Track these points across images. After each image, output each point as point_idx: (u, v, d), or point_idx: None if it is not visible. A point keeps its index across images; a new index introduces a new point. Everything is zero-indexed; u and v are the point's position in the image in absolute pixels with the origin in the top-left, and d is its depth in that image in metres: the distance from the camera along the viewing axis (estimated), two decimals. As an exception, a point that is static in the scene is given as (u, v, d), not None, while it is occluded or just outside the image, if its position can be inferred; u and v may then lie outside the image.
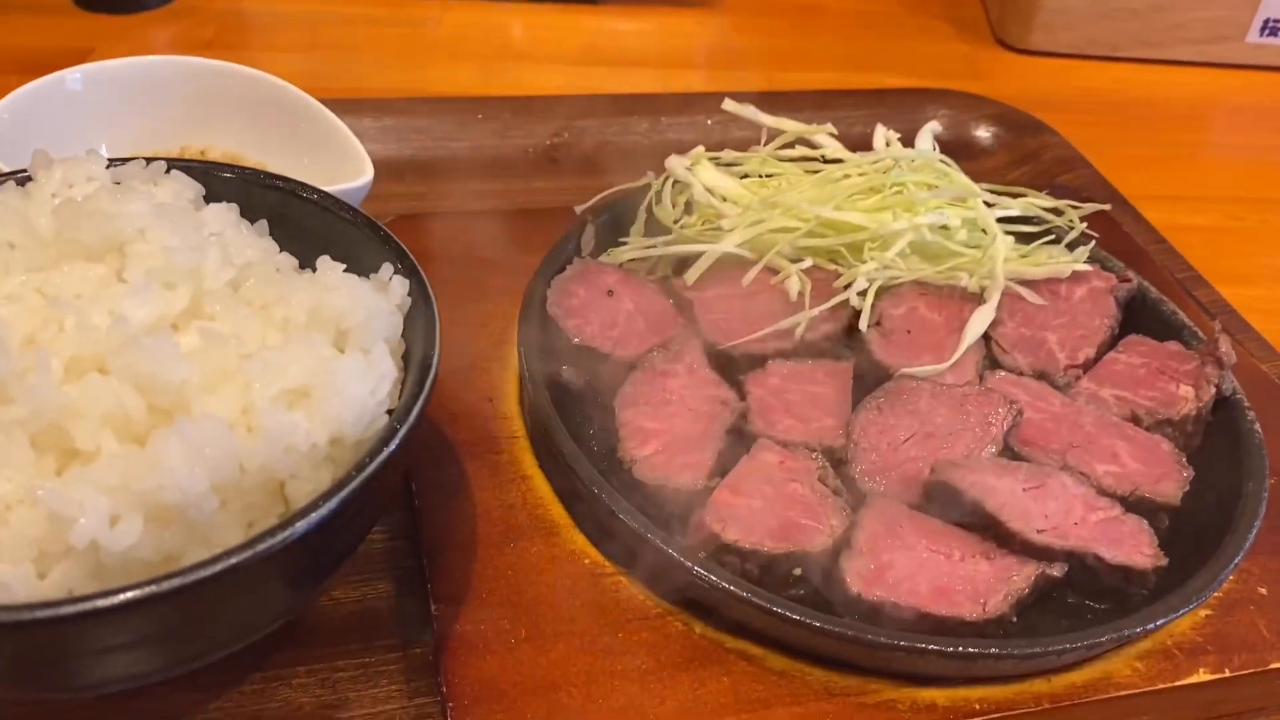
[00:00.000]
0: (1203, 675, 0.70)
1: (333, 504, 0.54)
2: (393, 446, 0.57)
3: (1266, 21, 1.47)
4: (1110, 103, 1.39)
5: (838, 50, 1.48)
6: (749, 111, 1.01)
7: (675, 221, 0.94)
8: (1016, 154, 1.28)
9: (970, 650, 0.64)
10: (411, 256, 0.69)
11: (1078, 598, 0.73)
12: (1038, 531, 0.71)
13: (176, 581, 0.50)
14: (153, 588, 0.49)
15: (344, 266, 0.67)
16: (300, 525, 0.53)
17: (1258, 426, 0.81)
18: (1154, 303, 0.92)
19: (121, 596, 0.49)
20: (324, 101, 1.17)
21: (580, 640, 0.67)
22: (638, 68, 1.37)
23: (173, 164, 0.72)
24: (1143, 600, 0.72)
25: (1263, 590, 0.76)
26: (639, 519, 0.69)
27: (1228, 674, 0.71)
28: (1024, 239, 0.98)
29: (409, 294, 0.67)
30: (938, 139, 1.25)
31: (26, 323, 0.58)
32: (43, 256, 0.63)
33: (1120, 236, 1.10)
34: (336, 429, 0.58)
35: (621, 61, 1.38)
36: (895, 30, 1.54)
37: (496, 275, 0.92)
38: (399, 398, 0.63)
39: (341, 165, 0.95)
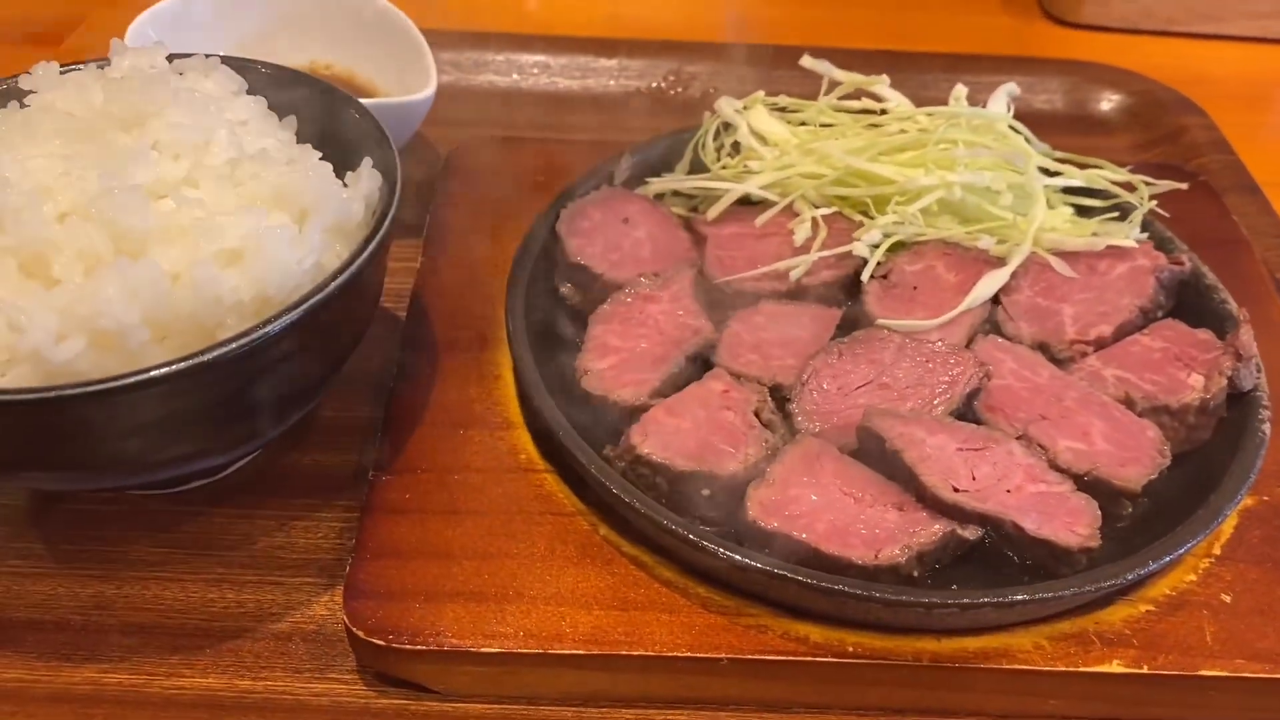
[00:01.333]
0: (1114, 666, 0.66)
1: (257, 336, 0.62)
2: (312, 300, 0.64)
3: None
4: (1165, 79, 1.25)
5: (874, 21, 1.41)
6: (824, 67, 1.00)
7: (716, 162, 0.96)
8: (1153, 133, 1.19)
9: (829, 586, 0.64)
10: (394, 153, 0.76)
11: (1011, 571, 0.71)
12: (954, 490, 0.69)
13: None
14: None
15: (320, 155, 0.74)
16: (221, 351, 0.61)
17: (1266, 428, 0.74)
18: (1207, 290, 0.85)
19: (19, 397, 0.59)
20: (452, 32, 1.28)
21: (489, 521, 0.72)
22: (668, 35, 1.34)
23: (226, 60, 0.82)
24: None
25: (1226, 598, 0.70)
26: (560, 421, 0.73)
27: (1145, 670, 0.66)
28: (1091, 213, 0.93)
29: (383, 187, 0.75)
30: (1049, 111, 1.19)
31: (47, 173, 0.69)
32: (92, 125, 0.75)
33: (1224, 223, 1.01)
34: (261, 289, 0.66)
35: (643, 31, 1.34)
36: (938, 1, 1.45)
37: (548, 199, 0.98)
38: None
39: (420, 81, 1.03)
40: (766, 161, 0.93)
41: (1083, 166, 0.94)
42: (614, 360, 0.79)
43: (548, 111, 1.20)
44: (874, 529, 0.68)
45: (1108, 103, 1.22)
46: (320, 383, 0.76)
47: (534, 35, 1.27)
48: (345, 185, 0.75)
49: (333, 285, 0.66)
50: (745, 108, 0.99)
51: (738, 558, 0.66)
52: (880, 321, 0.81)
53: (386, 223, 0.71)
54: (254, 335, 0.63)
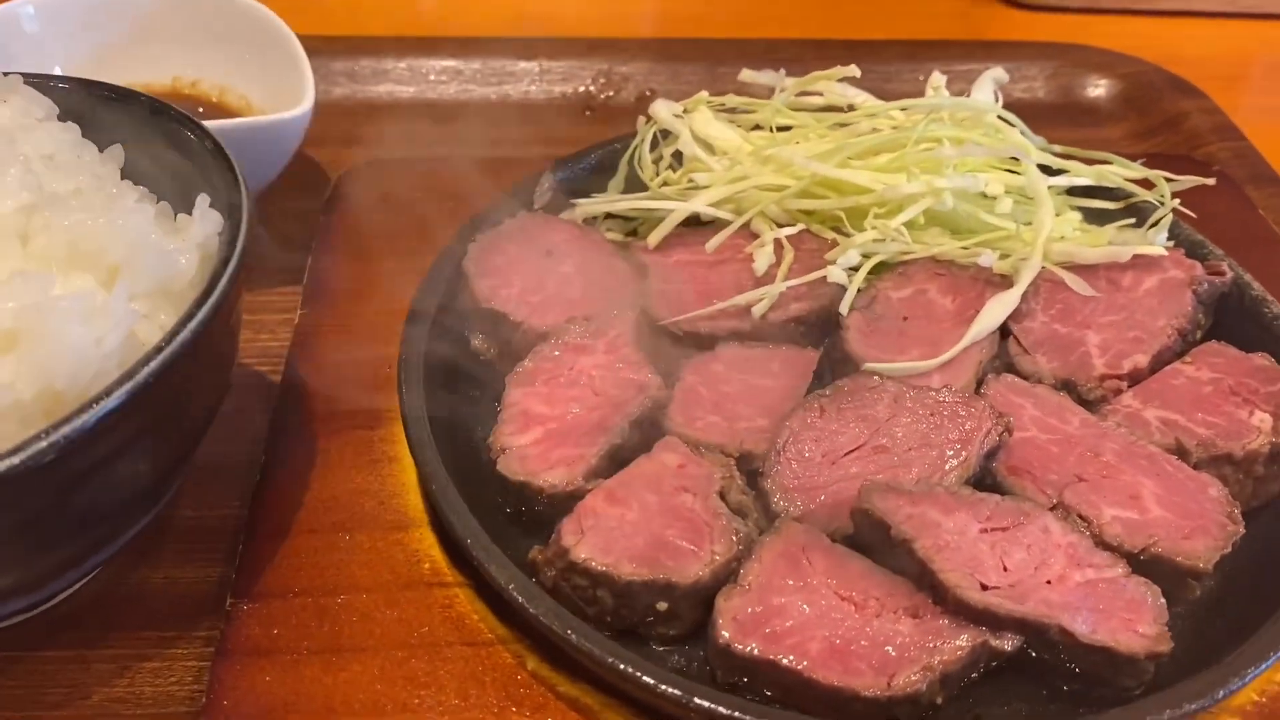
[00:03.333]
0: (1204, 809, 0.51)
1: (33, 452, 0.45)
2: (111, 402, 0.47)
3: None
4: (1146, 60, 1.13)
5: (819, 9, 1.27)
6: (767, 77, 0.85)
7: (655, 177, 0.80)
8: (1149, 120, 1.05)
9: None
10: (242, 190, 0.59)
11: (1059, 681, 0.55)
12: (983, 588, 0.53)
13: None
14: None
15: (138, 196, 0.57)
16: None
17: (1356, 477, 0.60)
18: (1254, 302, 0.71)
19: None
20: (343, 38, 1.11)
21: (381, 662, 0.56)
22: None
23: (31, 79, 0.65)
24: (1138, 698, 0.53)
25: (1332, 701, 0.55)
26: (468, 524, 0.57)
27: (1244, 812, 0.51)
28: (1102, 218, 0.78)
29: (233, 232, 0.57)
30: (1031, 100, 1.06)
31: None
32: None
33: (1251, 219, 0.87)
34: (47, 381, 0.48)
35: (562, 29, 1.18)
36: None
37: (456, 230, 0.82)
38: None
39: (297, 96, 0.86)
40: (715, 173, 0.77)
41: (1089, 162, 0.79)
42: (538, 433, 0.63)
43: (459, 124, 1.04)
44: (883, 646, 0.53)
45: (1095, 88, 1.08)
46: (161, 482, 0.59)
47: (440, 38, 1.11)
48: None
49: (143, 373, 0.48)
50: (687, 111, 0.83)
51: (706, 704, 0.50)
52: (868, 366, 0.65)
53: (224, 280, 0.53)
54: (29, 449, 0.45)
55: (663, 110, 0.81)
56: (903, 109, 0.80)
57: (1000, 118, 0.80)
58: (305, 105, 0.81)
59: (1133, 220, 0.76)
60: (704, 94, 0.84)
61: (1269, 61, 1.21)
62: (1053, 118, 1.06)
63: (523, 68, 1.09)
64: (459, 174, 0.90)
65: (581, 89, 1.08)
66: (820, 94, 0.85)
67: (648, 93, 1.08)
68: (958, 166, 0.74)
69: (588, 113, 1.07)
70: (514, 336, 0.69)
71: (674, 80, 1.09)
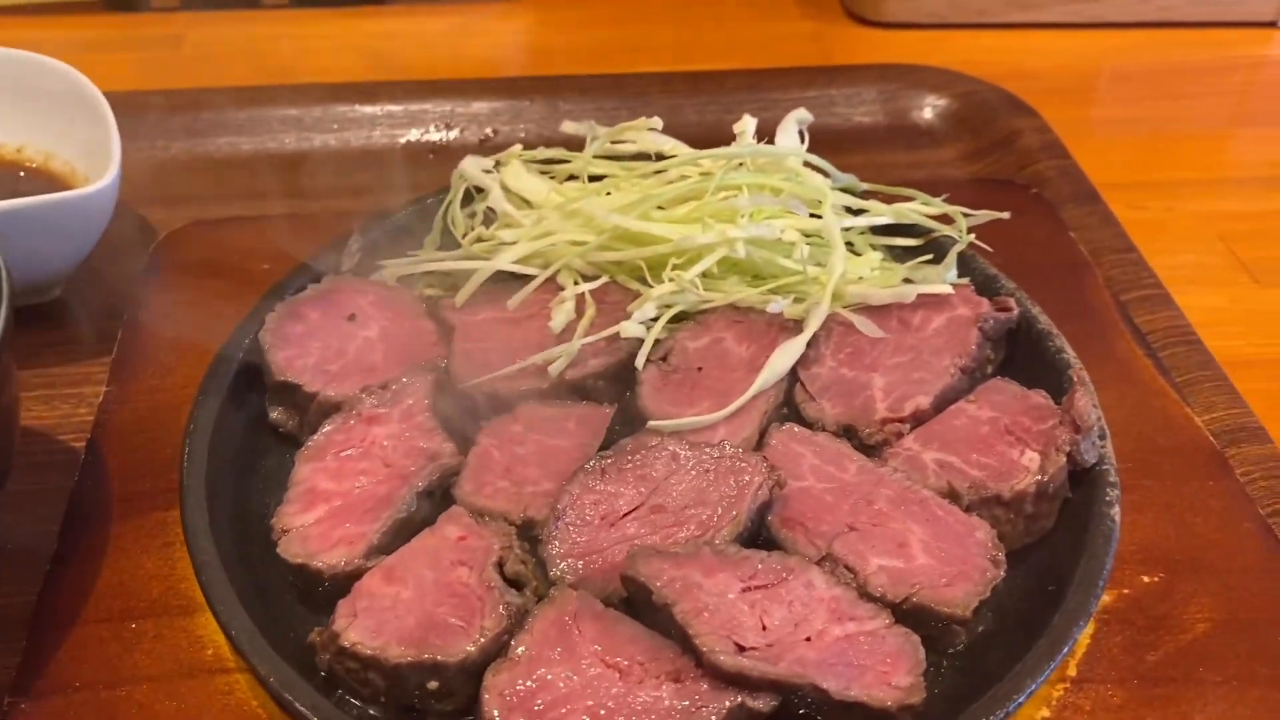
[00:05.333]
0: None
1: None
2: None
3: None
4: (981, 76, 1.14)
5: (664, 39, 1.27)
6: (586, 128, 0.85)
7: (467, 233, 0.81)
8: (983, 140, 1.07)
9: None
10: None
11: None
12: (739, 649, 0.54)
13: None
14: None
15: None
16: None
17: (1115, 513, 0.61)
18: (1039, 336, 0.73)
19: None
20: (184, 91, 1.10)
21: (156, 754, 0.56)
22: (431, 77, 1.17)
23: None
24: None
25: (1087, 734, 0.57)
26: (234, 614, 0.57)
27: None
28: (907, 255, 0.80)
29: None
30: (870, 124, 1.07)
31: None
32: None
33: (1063, 243, 0.89)
34: None
35: (415, 71, 1.18)
36: (729, 10, 1.32)
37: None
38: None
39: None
40: (523, 229, 0.78)
41: (892, 200, 0.81)
42: (322, 511, 0.63)
43: (298, 175, 1.03)
44: (644, 713, 0.54)
45: (932, 109, 1.10)
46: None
47: (279, 86, 1.10)
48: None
49: None
50: (500, 164, 0.84)
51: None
52: (651, 424, 0.66)
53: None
54: None
55: (471, 167, 0.82)
56: (710, 157, 0.80)
57: (807, 162, 0.81)
58: (107, 180, 0.80)
59: (931, 256, 0.78)
60: (517, 147, 0.85)
61: (1111, 71, 1.24)
62: (890, 140, 1.08)
63: (364, 113, 1.08)
64: (290, 231, 0.90)
65: (425, 133, 1.08)
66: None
67: (491, 133, 1.09)
68: (754, 214, 0.75)
69: (431, 156, 1.07)
70: (310, 408, 0.69)
71: (517, 119, 1.09)
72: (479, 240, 0.80)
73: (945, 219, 0.80)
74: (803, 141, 0.85)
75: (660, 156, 0.84)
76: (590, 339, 0.71)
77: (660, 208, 0.78)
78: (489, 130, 1.09)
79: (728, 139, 1.01)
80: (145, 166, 1.03)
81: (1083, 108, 1.17)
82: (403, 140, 1.07)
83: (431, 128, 1.08)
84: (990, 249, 0.79)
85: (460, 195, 0.82)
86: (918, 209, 0.80)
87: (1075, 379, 0.66)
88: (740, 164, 0.79)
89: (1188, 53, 1.25)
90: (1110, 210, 0.95)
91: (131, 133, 1.03)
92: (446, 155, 1.06)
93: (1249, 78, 1.22)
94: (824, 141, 1.06)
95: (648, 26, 1.30)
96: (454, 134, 1.08)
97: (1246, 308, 0.92)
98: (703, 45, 1.27)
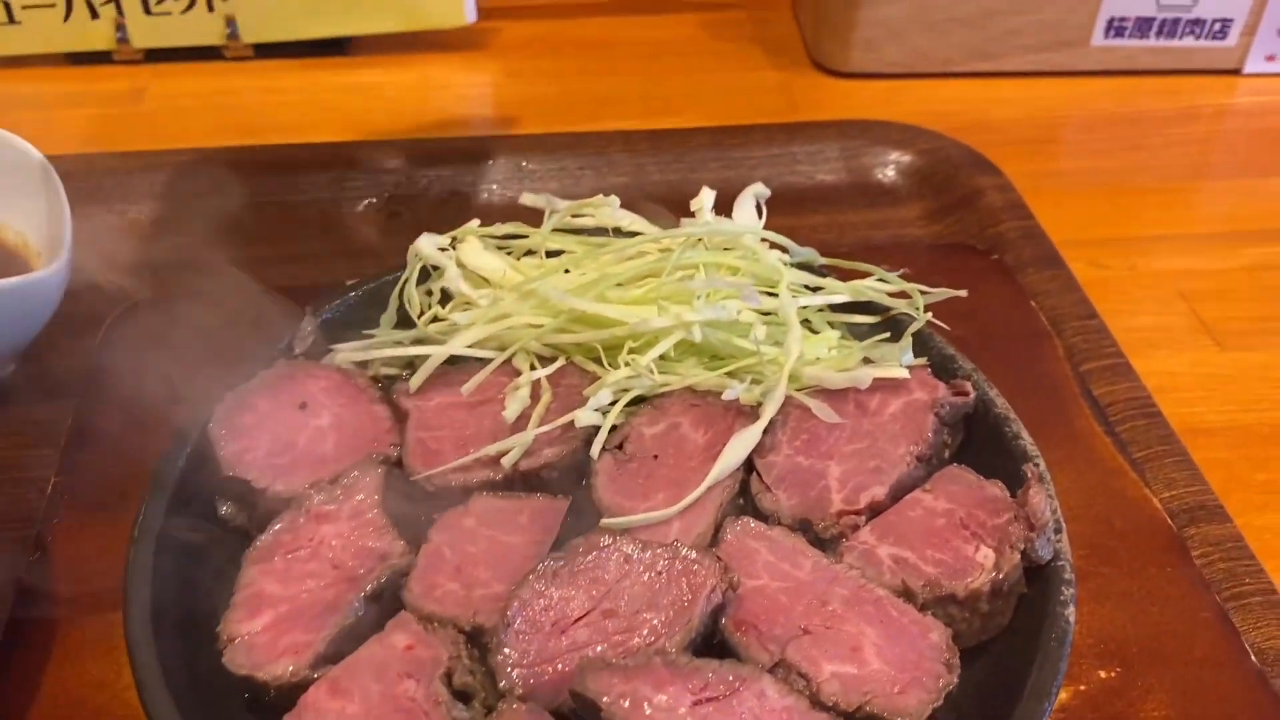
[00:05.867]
0: None
1: None
2: None
3: (1111, 21, 1.22)
4: (945, 128, 1.15)
5: (632, 90, 1.26)
6: (544, 200, 0.85)
7: (423, 311, 0.80)
8: (946, 198, 1.07)
9: None
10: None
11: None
12: (688, 770, 0.54)
13: None
14: None
15: None
16: None
17: (1070, 613, 0.61)
18: (996, 420, 0.72)
19: None
20: (144, 153, 1.09)
21: None
22: (394, 133, 1.17)
23: None
24: None
25: None
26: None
27: None
28: (864, 332, 0.79)
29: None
30: (834, 182, 1.07)
31: None
32: None
33: (1023, 312, 0.89)
34: None
35: (379, 125, 1.19)
36: (696, 60, 1.32)
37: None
38: None
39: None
40: (478, 311, 0.77)
41: (848, 276, 0.81)
42: (269, 617, 0.62)
43: (257, 244, 1.02)
44: (590, 836, 0.53)
45: (894, 167, 1.10)
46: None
47: (241, 146, 1.09)
48: None
49: None
50: (456, 241, 0.83)
51: None
52: (604, 522, 0.66)
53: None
54: None
55: (427, 246, 0.81)
56: (669, 236, 0.80)
57: (765, 239, 0.81)
58: (56, 265, 0.79)
59: (889, 334, 0.78)
60: (474, 223, 0.84)
61: (1075, 120, 1.24)
62: (852, 198, 1.08)
63: (325, 176, 1.07)
64: (247, 306, 0.89)
65: (387, 195, 1.07)
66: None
67: (455, 193, 1.08)
68: (710, 295, 0.75)
69: (392, 219, 1.06)
70: (259, 505, 0.69)
71: (480, 180, 1.09)
72: (435, 319, 0.80)
73: (904, 293, 0.80)
74: (761, 215, 0.85)
75: (618, 231, 0.84)
76: (544, 428, 0.70)
77: (619, 286, 0.77)
78: (452, 190, 1.08)
79: (691, 197, 1.01)
80: (101, 233, 1.02)
81: (1046, 160, 1.17)
82: (363, 204, 1.06)
83: (395, 189, 1.08)
84: (948, 327, 0.78)
85: (416, 273, 0.81)
86: (875, 286, 0.79)
87: (1030, 475, 0.65)
88: (699, 240, 0.78)
89: (1151, 101, 1.26)
90: (1072, 275, 0.95)
91: (88, 197, 1.03)
92: (411, 217, 1.06)
93: (1211, 128, 1.23)
94: (787, 200, 1.07)
95: (614, 78, 1.30)
96: (417, 194, 1.08)
97: (1207, 372, 0.92)
98: (670, 96, 1.27)
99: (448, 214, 1.05)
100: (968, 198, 1.05)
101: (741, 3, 1.44)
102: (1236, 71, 1.29)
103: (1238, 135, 1.21)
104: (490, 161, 1.10)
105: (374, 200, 1.07)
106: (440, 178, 1.08)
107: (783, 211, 1.04)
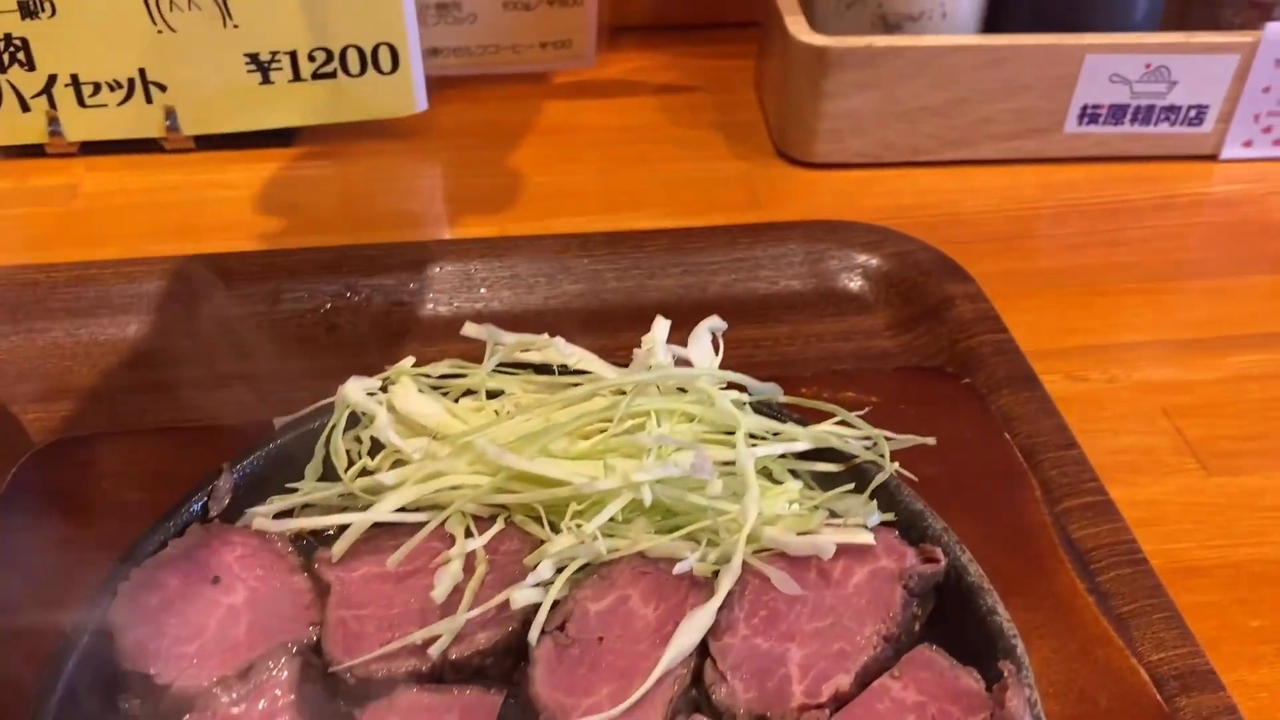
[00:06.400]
0: None
1: None
2: None
3: (1085, 108, 1.19)
4: (915, 222, 1.11)
5: (590, 182, 1.21)
6: (488, 331, 0.79)
7: (351, 467, 0.74)
8: (915, 307, 1.02)
9: None
10: None
11: None
12: None
13: None
14: None
15: None
16: None
17: (1052, 833, 0.55)
18: (970, 590, 0.67)
19: None
20: (68, 264, 1.03)
21: None
22: (341, 231, 1.11)
23: None
24: None
25: None
26: None
27: None
28: (826, 480, 0.74)
29: None
30: (800, 290, 1.02)
31: None
32: None
33: (996, 446, 0.84)
34: None
35: (324, 223, 1.14)
36: (657, 149, 1.27)
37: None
38: None
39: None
40: (410, 468, 0.71)
41: (808, 420, 0.75)
42: None
43: (185, 365, 0.96)
44: None
45: (862, 272, 1.05)
46: None
47: (160, 257, 1.03)
48: None
49: None
50: (389, 382, 0.77)
51: None
52: (541, 724, 0.60)
53: None
54: None
55: (355, 393, 0.75)
56: (618, 379, 0.74)
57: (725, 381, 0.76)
58: (-52, 418, 0.73)
59: (853, 485, 0.72)
60: (407, 363, 0.79)
61: (1049, 211, 1.20)
62: (818, 306, 1.03)
63: (261, 288, 1.02)
64: (170, 448, 0.83)
65: (325, 305, 1.02)
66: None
67: (398, 304, 1.02)
68: (660, 454, 0.69)
69: (331, 332, 1.00)
70: (164, 701, 0.62)
71: (427, 288, 1.03)
72: (364, 472, 0.74)
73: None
74: (717, 351, 0.79)
75: (565, 369, 0.78)
76: (476, 612, 0.64)
77: (568, 435, 0.72)
78: (397, 300, 1.02)
79: (649, 306, 0.96)
80: (18, 355, 0.96)
81: (1020, 257, 1.13)
82: (301, 317, 1.00)
83: (335, 299, 1.02)
84: (915, 477, 0.73)
85: (344, 419, 0.75)
86: (837, 431, 0.74)
87: (1008, 674, 0.60)
88: (644, 391, 0.73)
89: (1126, 189, 1.22)
90: (1048, 396, 0.90)
91: (6, 315, 0.97)
92: (350, 330, 1.00)
93: (1189, 219, 1.19)
94: (751, 308, 1.03)
95: (573, 166, 1.25)
96: (359, 304, 1.02)
97: (1194, 500, 0.87)
98: (630, 188, 1.22)
99: (391, 325, 1.01)
100: (937, 307, 1.00)
101: (704, 86, 1.40)
102: (1213, 157, 1.25)
103: (1216, 228, 1.17)
104: (437, 268, 1.04)
105: (312, 312, 1.01)
106: (384, 287, 1.03)
107: (747, 321, 1.01)
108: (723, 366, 0.80)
